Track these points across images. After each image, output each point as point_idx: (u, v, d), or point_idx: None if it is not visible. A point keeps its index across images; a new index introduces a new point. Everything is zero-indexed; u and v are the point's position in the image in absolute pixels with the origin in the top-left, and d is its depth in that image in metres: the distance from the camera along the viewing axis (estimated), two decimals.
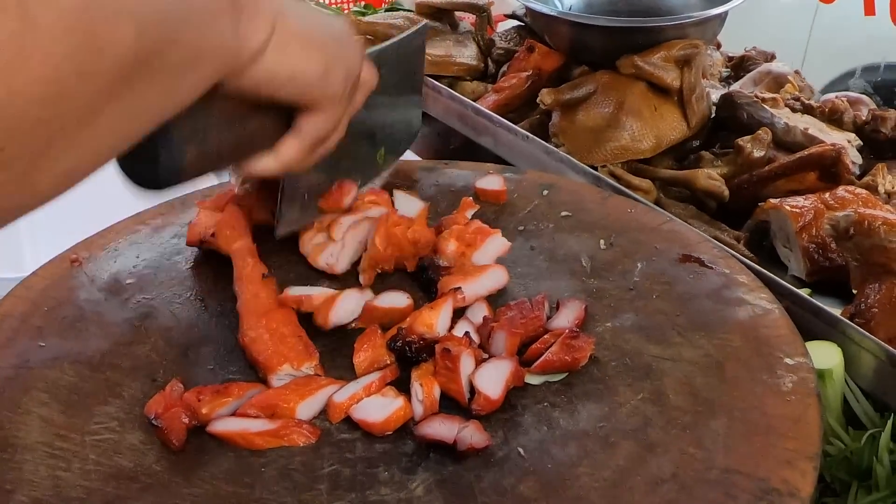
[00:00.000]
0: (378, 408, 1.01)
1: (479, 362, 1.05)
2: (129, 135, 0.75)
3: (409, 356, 1.07)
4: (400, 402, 1.02)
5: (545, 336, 1.11)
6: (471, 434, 0.97)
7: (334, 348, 1.12)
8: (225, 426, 1.00)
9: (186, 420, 1.00)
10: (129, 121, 0.72)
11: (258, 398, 1.03)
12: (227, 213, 1.27)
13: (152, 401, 1.03)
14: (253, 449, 0.98)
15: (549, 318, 1.15)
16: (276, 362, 1.07)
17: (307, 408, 1.02)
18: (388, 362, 1.08)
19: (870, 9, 2.62)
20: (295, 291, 1.17)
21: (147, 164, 0.90)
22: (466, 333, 1.09)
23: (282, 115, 1.01)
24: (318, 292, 1.17)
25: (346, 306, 1.15)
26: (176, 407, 1.01)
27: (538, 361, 1.07)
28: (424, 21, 1.45)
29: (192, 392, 1.02)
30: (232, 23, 0.83)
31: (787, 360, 1.09)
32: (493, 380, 1.03)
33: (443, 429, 0.99)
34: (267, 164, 1.04)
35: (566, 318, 1.15)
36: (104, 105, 0.66)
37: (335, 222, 1.26)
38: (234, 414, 1.02)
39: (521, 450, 0.98)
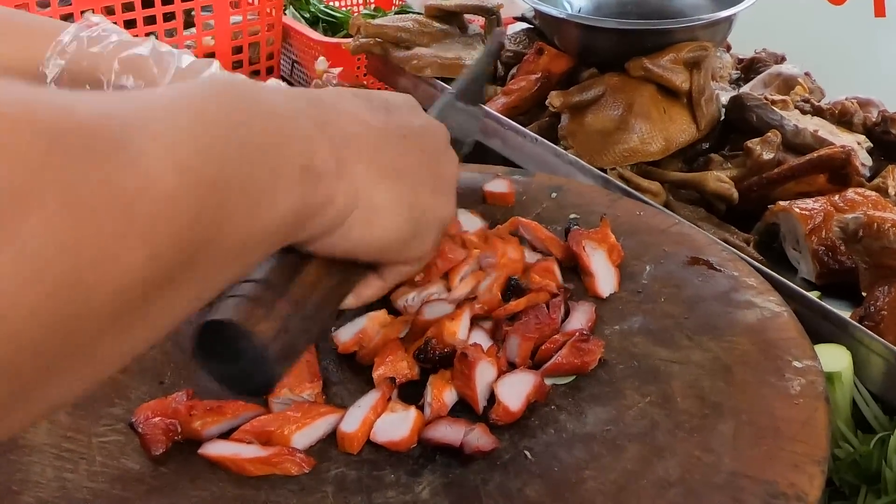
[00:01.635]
0: (396, 425, 1.00)
1: (502, 372, 1.05)
2: (149, 342, 0.63)
3: (434, 366, 1.06)
4: (413, 412, 1.01)
5: (555, 336, 1.11)
6: (477, 437, 0.97)
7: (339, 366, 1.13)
8: (216, 450, 0.98)
9: (171, 431, 0.98)
10: (146, 333, 0.62)
11: (254, 424, 1.00)
12: None
13: (146, 405, 1.02)
14: (244, 475, 0.96)
15: (562, 321, 1.15)
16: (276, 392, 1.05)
17: (304, 437, 0.99)
18: (410, 374, 1.06)
19: (880, 10, 2.61)
20: (344, 335, 1.13)
21: (235, 381, 0.82)
22: (492, 344, 1.09)
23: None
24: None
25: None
26: (160, 417, 0.99)
27: (548, 365, 1.07)
28: (500, 32, 1.43)
29: (185, 405, 1.01)
30: (301, 194, 0.72)
31: (796, 364, 1.09)
32: (515, 391, 1.03)
33: (449, 432, 0.98)
34: (348, 303, 0.97)
35: (578, 320, 1.15)
36: (101, 339, 0.55)
37: (455, 271, 1.19)
38: (227, 436, 1.00)
39: (527, 452, 0.98)
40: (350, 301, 0.96)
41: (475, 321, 1.13)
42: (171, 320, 0.64)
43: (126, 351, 0.60)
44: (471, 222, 1.32)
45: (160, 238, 0.57)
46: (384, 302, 1.19)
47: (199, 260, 0.61)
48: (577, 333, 1.09)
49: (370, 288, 0.96)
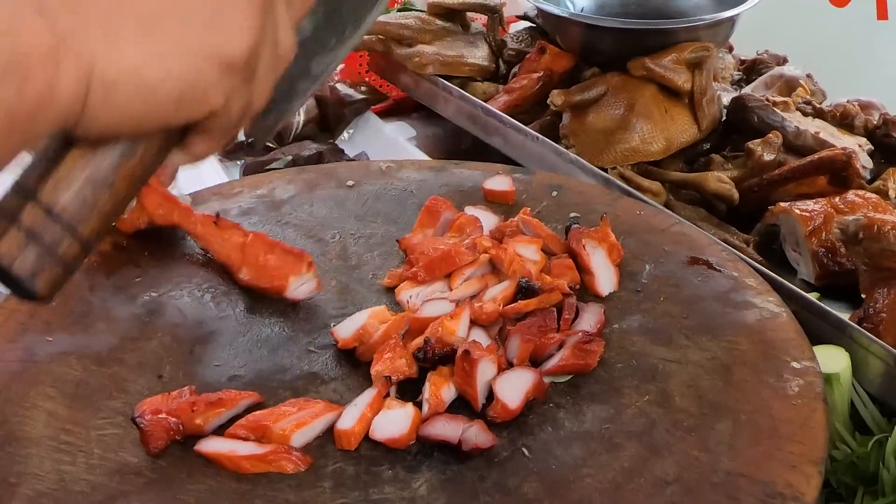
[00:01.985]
0: (394, 422, 1.00)
1: (501, 370, 1.05)
2: None
3: (433, 364, 1.06)
4: (410, 408, 1.02)
5: (556, 336, 1.11)
6: (476, 434, 0.97)
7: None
8: (212, 446, 0.99)
9: (173, 430, 0.99)
10: None
11: (250, 419, 1.01)
12: (148, 193, 1.27)
13: (150, 400, 1.02)
14: (240, 472, 0.96)
15: (572, 321, 1.15)
16: (281, 282, 1.13)
17: (302, 436, 1.00)
18: (408, 371, 1.06)
19: (882, 13, 2.62)
20: (344, 330, 1.14)
21: (16, 289, 0.73)
22: (491, 343, 1.10)
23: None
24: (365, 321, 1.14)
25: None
26: (166, 414, 0.99)
27: (551, 366, 1.07)
28: None
29: (186, 402, 1.01)
30: (7, 90, 0.63)
31: (794, 364, 1.09)
32: (513, 389, 1.03)
33: (447, 429, 0.99)
34: (180, 160, 0.80)
35: (587, 322, 1.15)
36: None
37: (459, 272, 1.21)
38: (224, 432, 1.00)
39: (525, 450, 0.98)
40: (182, 159, 0.80)
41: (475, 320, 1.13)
42: None
43: None
44: (486, 219, 1.32)
45: None
46: (386, 298, 1.20)
47: None
48: (581, 334, 1.10)
49: (196, 145, 0.79)
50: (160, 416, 0.99)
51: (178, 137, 0.78)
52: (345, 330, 1.12)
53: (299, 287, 1.19)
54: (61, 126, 0.68)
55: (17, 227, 0.71)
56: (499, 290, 1.16)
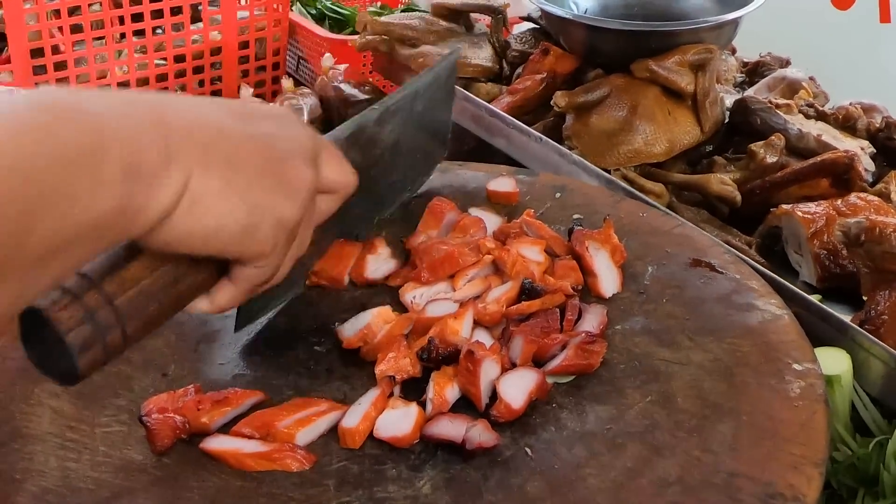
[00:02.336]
0: (398, 421, 1.01)
1: (504, 370, 1.06)
2: None
3: (437, 364, 1.07)
4: (414, 408, 1.02)
5: (559, 336, 1.11)
6: (479, 433, 0.98)
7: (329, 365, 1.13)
8: (217, 444, 0.99)
9: (178, 429, 0.99)
10: None
11: (255, 417, 1.02)
12: None
13: (156, 398, 1.03)
14: (245, 470, 0.97)
15: (575, 322, 1.16)
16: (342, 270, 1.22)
17: (306, 434, 1.01)
18: (412, 371, 1.07)
19: (885, 16, 2.62)
20: (348, 330, 1.15)
21: (45, 362, 0.83)
22: (495, 343, 1.10)
23: (216, 261, 0.91)
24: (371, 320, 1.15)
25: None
26: (173, 414, 1.00)
27: (554, 366, 1.08)
28: (457, 49, 1.42)
29: (192, 401, 1.02)
30: (122, 195, 0.73)
31: (796, 366, 1.10)
32: (516, 389, 1.03)
33: (451, 428, 0.99)
34: (201, 307, 0.95)
35: (590, 323, 1.15)
36: None
37: (462, 273, 1.22)
38: (229, 430, 1.01)
39: (528, 449, 0.99)
40: (204, 305, 0.95)
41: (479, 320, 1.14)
42: None
43: None
44: (490, 220, 1.33)
45: None
46: (390, 298, 1.20)
47: (4, 270, 0.66)
48: (584, 335, 1.10)
49: (222, 292, 0.94)
50: (166, 414, 0.99)
51: (213, 283, 0.93)
52: (349, 330, 1.13)
53: (379, 267, 1.23)
54: (146, 231, 0.78)
55: (80, 304, 0.80)
56: (502, 291, 1.16)
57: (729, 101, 1.93)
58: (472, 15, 2.22)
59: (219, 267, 0.92)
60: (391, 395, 1.05)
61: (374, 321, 1.12)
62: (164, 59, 2.25)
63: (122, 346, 0.84)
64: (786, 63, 2.24)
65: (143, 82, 2.22)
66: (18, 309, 0.73)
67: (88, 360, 0.81)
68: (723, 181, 1.71)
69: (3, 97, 0.72)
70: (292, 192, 0.90)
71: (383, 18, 2.17)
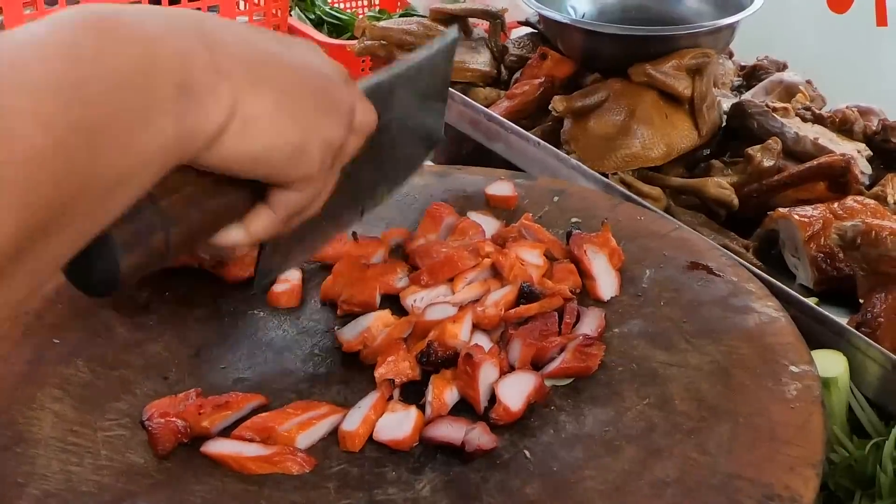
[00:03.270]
0: (398, 424, 1.02)
1: (503, 373, 1.07)
2: (34, 285, 0.65)
3: (436, 367, 1.08)
4: (414, 411, 1.03)
5: (557, 339, 1.12)
6: (478, 436, 0.98)
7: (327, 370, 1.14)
8: (218, 448, 1.00)
9: (180, 433, 1.00)
10: (27, 280, 0.64)
11: (256, 420, 1.03)
12: None
13: (158, 402, 1.04)
14: (246, 473, 0.98)
15: (573, 326, 1.17)
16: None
17: (307, 438, 1.01)
18: (411, 374, 1.08)
19: (882, 19, 2.63)
20: (348, 334, 1.15)
21: (82, 270, 0.78)
22: (493, 346, 1.11)
23: (253, 185, 0.88)
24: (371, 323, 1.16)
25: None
26: (174, 418, 1.01)
27: (552, 369, 1.09)
28: (454, 30, 1.42)
29: (193, 405, 1.02)
30: (177, 114, 0.72)
31: (793, 368, 1.10)
32: (515, 392, 1.04)
33: (450, 431, 1.00)
34: (236, 237, 0.90)
35: (588, 326, 1.16)
36: None
37: (461, 276, 1.22)
38: (230, 433, 1.02)
39: (527, 452, 1.00)
40: (239, 235, 0.91)
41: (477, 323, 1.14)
42: (53, 262, 0.66)
43: (10, 298, 0.63)
44: (488, 224, 1.33)
45: (31, 200, 0.59)
46: (390, 302, 1.21)
47: (74, 206, 0.63)
48: (581, 337, 1.11)
49: (259, 218, 0.90)
50: (168, 418, 1.00)
51: (246, 209, 0.89)
52: (349, 333, 1.14)
53: (400, 280, 1.24)
54: (200, 152, 0.76)
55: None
56: (501, 295, 1.17)
57: (726, 104, 1.93)
58: (471, 20, 2.23)
59: (256, 192, 0.89)
60: (391, 398, 1.05)
61: (373, 325, 1.13)
62: None
63: (164, 253, 0.81)
64: (783, 66, 2.25)
65: None
66: (78, 247, 0.68)
67: (131, 262, 0.78)
68: (720, 185, 1.72)
69: (39, 22, 0.68)
70: (338, 113, 0.89)
71: (382, 23, 2.17)
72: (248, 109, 0.78)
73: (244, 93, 0.78)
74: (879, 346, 1.27)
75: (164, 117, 0.70)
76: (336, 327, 1.16)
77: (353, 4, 2.87)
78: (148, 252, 0.79)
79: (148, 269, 0.81)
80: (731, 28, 1.91)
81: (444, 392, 1.04)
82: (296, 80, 0.85)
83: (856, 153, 1.78)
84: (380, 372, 1.07)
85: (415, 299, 1.19)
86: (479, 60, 2.12)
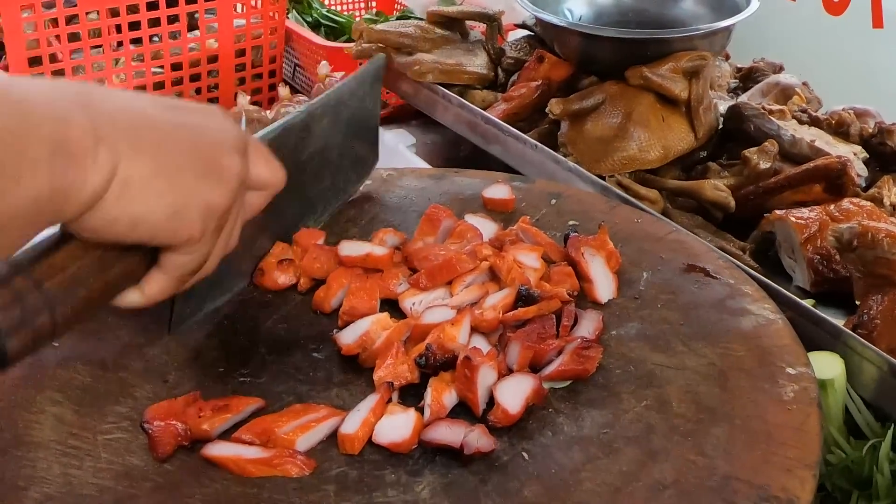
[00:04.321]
0: (397, 426, 1.02)
1: (501, 376, 1.07)
2: None
3: (435, 370, 1.08)
4: (413, 414, 1.03)
5: (555, 342, 1.12)
6: (477, 438, 0.99)
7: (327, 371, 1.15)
8: (218, 450, 1.00)
9: (180, 436, 1.00)
10: None
11: (255, 423, 1.03)
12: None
13: (158, 406, 1.04)
14: (245, 476, 0.98)
15: (571, 328, 1.17)
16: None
17: (306, 440, 1.02)
18: (410, 377, 1.08)
19: (878, 21, 2.64)
20: (347, 337, 1.16)
21: None
22: (492, 349, 1.11)
23: (146, 250, 0.92)
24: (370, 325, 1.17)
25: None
26: (174, 421, 1.01)
27: (550, 371, 1.09)
28: (380, 57, 1.43)
29: (194, 408, 1.03)
30: (52, 174, 0.75)
31: (789, 370, 1.11)
32: (513, 394, 1.05)
33: (449, 433, 1.00)
34: (133, 300, 0.95)
35: (586, 329, 1.16)
36: None
37: (459, 279, 1.23)
38: (230, 436, 1.02)
39: (525, 454, 1.00)
40: (135, 298, 0.95)
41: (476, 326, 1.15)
42: None
43: None
44: (486, 227, 1.34)
45: None
46: (389, 305, 1.21)
47: None
48: (580, 340, 1.11)
49: (153, 281, 0.94)
50: (168, 421, 1.00)
51: (143, 273, 0.93)
52: (348, 336, 1.14)
53: (400, 285, 1.24)
54: (77, 214, 0.79)
55: (8, 288, 0.81)
56: (499, 298, 1.18)
57: (723, 107, 1.94)
58: (468, 22, 2.24)
59: (149, 257, 0.92)
60: (389, 401, 1.06)
61: (372, 328, 1.14)
62: (161, 66, 2.27)
63: (51, 332, 0.84)
64: (779, 69, 2.25)
65: (140, 90, 2.23)
66: None
67: (17, 345, 0.81)
68: (717, 187, 1.73)
69: None
70: (222, 179, 0.91)
71: (379, 26, 2.18)
72: (128, 173, 0.81)
73: (124, 157, 0.81)
74: (876, 348, 1.27)
75: (36, 176, 0.74)
76: (335, 331, 1.16)
77: (351, 7, 2.87)
78: (33, 334, 0.83)
79: (38, 348, 0.84)
80: (728, 31, 1.92)
81: (442, 395, 1.05)
82: (179, 146, 0.88)
83: (852, 155, 1.79)
84: (379, 375, 1.08)
85: (413, 302, 1.19)
86: (476, 63, 2.12)
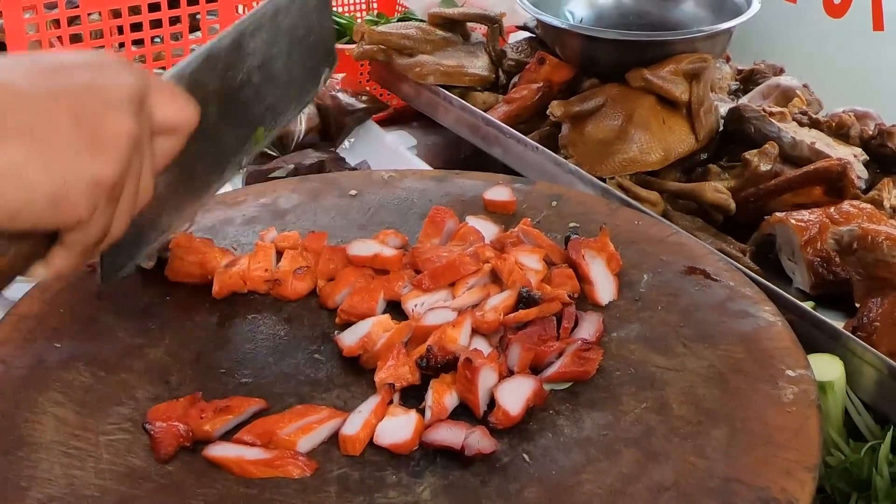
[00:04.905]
0: (398, 428, 1.03)
1: (502, 377, 1.07)
2: None
3: (436, 372, 1.08)
4: (414, 415, 1.04)
5: (556, 344, 1.13)
6: (478, 439, 0.99)
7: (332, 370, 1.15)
8: (220, 451, 1.01)
9: (182, 437, 1.01)
10: None
11: (257, 425, 1.03)
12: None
13: (159, 407, 1.05)
14: (247, 477, 0.98)
15: (572, 330, 1.18)
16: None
17: (308, 441, 1.02)
18: (411, 379, 1.09)
19: (878, 24, 2.64)
20: (348, 339, 1.16)
21: None
22: (493, 351, 1.12)
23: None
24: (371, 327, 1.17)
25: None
26: (176, 422, 1.02)
27: (550, 373, 1.09)
28: None
29: (195, 409, 1.03)
30: None
31: (789, 372, 1.11)
32: (514, 396, 1.05)
33: (450, 435, 1.01)
34: (41, 274, 0.92)
35: (587, 330, 1.17)
36: None
37: (462, 281, 1.22)
38: (231, 437, 1.03)
39: (525, 456, 1.00)
40: (42, 272, 0.92)
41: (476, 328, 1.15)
42: None
43: None
44: (487, 229, 1.34)
45: None
46: (390, 307, 1.21)
47: None
48: (580, 342, 1.12)
49: (57, 257, 0.90)
50: (170, 422, 1.01)
51: (44, 250, 0.90)
52: (349, 338, 1.14)
53: (405, 288, 1.24)
54: None
55: None
56: (500, 300, 1.18)
57: (723, 109, 1.94)
58: (469, 24, 2.24)
59: (49, 234, 0.90)
60: (391, 402, 1.06)
61: (373, 330, 1.14)
62: (163, 68, 2.27)
63: None
64: (780, 71, 2.25)
65: None
66: None
67: None
68: (717, 189, 1.73)
69: None
70: (108, 149, 0.86)
71: (380, 28, 2.18)
72: None
73: None
74: (875, 351, 1.28)
75: None
76: (336, 332, 1.17)
77: (352, 8, 2.87)
78: None
79: None
80: (729, 33, 1.92)
81: (443, 396, 1.05)
82: (55, 121, 0.82)
83: (852, 157, 1.79)
84: (380, 376, 1.08)
85: (416, 304, 1.20)
86: (478, 65, 2.13)
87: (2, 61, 0.86)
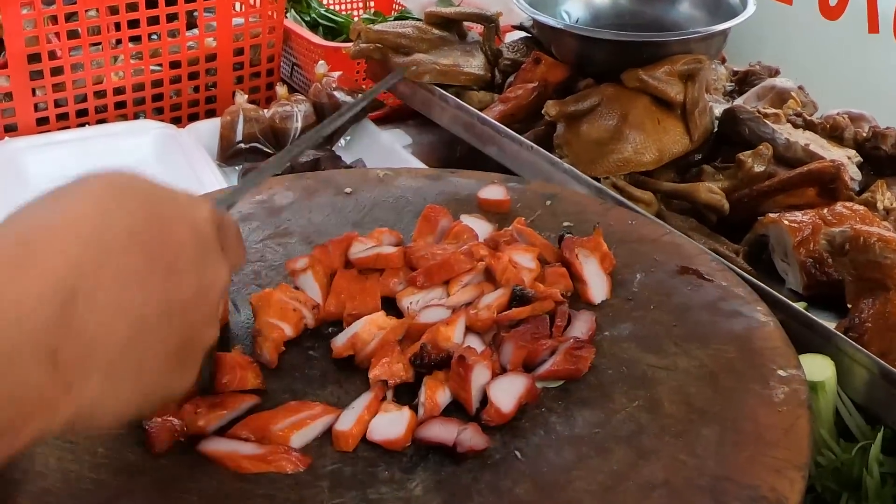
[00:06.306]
0: (391, 424, 1.03)
1: (495, 375, 1.08)
2: None
3: (429, 369, 1.09)
4: (407, 412, 1.04)
5: (548, 342, 1.13)
6: (470, 437, 1.00)
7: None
8: (214, 446, 1.01)
9: (176, 432, 1.01)
10: None
11: (250, 420, 1.04)
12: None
13: None
14: (240, 472, 0.99)
15: (564, 329, 1.18)
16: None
17: (301, 437, 1.02)
18: (405, 376, 1.09)
19: (874, 26, 2.65)
20: (340, 340, 1.16)
21: None
22: (486, 348, 1.12)
23: None
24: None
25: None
26: (171, 417, 1.02)
27: (542, 371, 1.10)
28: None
29: (190, 404, 1.04)
30: (8, 439, 0.71)
31: (780, 372, 1.12)
32: (507, 393, 1.06)
33: (443, 431, 1.01)
34: None
35: (579, 329, 1.17)
36: None
37: (456, 279, 1.23)
38: (225, 432, 1.03)
39: (518, 453, 1.01)
40: None
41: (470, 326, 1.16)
42: None
43: None
44: (481, 227, 1.35)
45: None
46: (385, 304, 1.22)
47: None
48: (572, 340, 1.12)
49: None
50: (164, 417, 1.01)
51: None
52: (339, 339, 1.15)
53: (400, 285, 1.24)
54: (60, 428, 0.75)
55: None
56: (493, 298, 1.19)
57: (718, 110, 1.95)
58: (465, 23, 2.24)
59: None
60: (384, 399, 1.07)
61: (363, 329, 1.14)
62: (160, 64, 2.27)
63: None
64: (775, 72, 2.26)
65: (138, 88, 2.23)
66: None
67: None
68: (711, 190, 1.73)
69: None
70: (191, 366, 0.86)
71: (377, 27, 2.18)
72: (96, 411, 0.77)
73: (96, 398, 0.75)
74: (866, 351, 1.28)
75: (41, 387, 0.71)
76: (330, 329, 1.17)
77: (349, 7, 2.88)
78: None
79: None
80: (724, 34, 1.93)
81: (436, 393, 1.06)
82: (159, 347, 0.80)
83: (846, 159, 1.80)
84: (374, 373, 1.08)
85: (410, 301, 1.20)
86: (473, 64, 2.13)
87: (114, 237, 0.77)
